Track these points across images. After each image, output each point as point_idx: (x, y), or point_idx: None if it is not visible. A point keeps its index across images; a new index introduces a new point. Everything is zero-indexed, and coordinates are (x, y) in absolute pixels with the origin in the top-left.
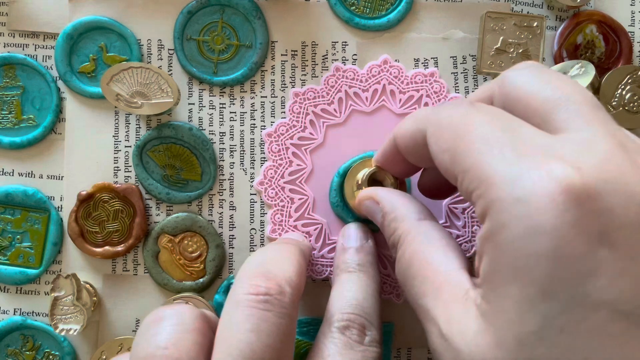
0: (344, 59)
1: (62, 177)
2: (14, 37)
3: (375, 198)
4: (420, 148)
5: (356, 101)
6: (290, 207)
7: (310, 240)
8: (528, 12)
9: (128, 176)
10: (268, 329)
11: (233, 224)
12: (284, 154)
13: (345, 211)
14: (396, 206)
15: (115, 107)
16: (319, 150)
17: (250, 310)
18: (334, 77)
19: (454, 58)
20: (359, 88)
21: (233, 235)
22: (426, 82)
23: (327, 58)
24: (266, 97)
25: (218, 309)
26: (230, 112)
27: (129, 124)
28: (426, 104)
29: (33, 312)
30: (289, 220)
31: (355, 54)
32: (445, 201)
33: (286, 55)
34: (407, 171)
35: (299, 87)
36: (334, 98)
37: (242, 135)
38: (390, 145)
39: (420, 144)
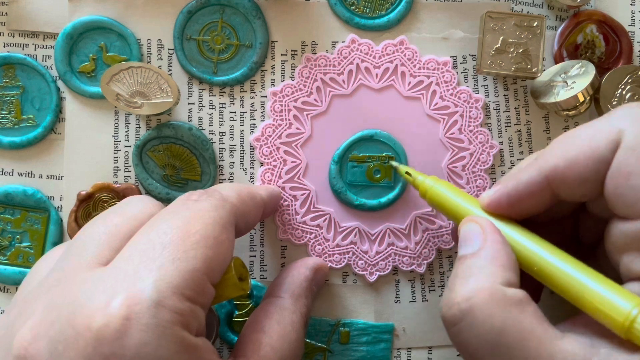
0: None
1: (61, 177)
2: (13, 37)
3: (484, 231)
4: (598, 168)
5: (366, 76)
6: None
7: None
8: (528, 12)
9: (128, 176)
10: (197, 209)
11: None
12: (285, 117)
13: (351, 196)
14: (494, 260)
15: (115, 107)
16: (321, 117)
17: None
18: (348, 49)
19: (454, 58)
20: (371, 64)
21: None
22: (438, 70)
23: None
24: (266, 97)
25: (218, 309)
26: (230, 112)
27: (129, 124)
28: (434, 92)
29: None
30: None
31: None
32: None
33: (286, 55)
34: (534, 210)
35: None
36: (344, 69)
37: (242, 135)
38: (532, 179)
39: (602, 162)
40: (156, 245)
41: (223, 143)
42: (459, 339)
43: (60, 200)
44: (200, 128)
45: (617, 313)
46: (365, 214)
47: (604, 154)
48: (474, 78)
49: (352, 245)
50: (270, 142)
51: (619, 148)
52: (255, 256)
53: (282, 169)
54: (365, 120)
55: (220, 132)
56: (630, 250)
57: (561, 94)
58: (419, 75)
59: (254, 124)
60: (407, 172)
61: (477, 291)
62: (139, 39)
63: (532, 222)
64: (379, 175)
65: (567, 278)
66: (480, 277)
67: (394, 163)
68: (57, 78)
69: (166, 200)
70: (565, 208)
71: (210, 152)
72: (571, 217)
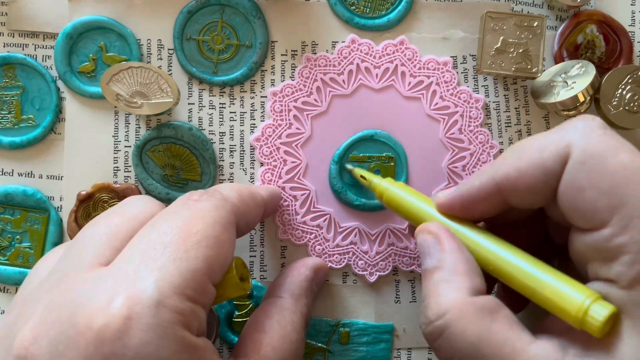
0: None
1: (61, 177)
2: (13, 37)
3: (440, 241)
4: (547, 180)
5: (366, 76)
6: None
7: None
8: (528, 12)
9: (128, 176)
10: (197, 209)
11: None
12: (286, 118)
13: (351, 196)
14: (456, 269)
15: (115, 107)
16: (321, 117)
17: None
18: (348, 49)
19: (454, 58)
20: (371, 64)
21: None
22: (438, 70)
23: None
24: (266, 97)
25: (218, 309)
26: (230, 112)
27: (129, 124)
28: (434, 92)
29: None
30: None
31: None
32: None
33: (286, 55)
34: (487, 214)
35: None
36: (344, 69)
37: (242, 135)
38: (483, 186)
39: (551, 174)
40: (157, 245)
41: (223, 143)
42: (441, 354)
43: (60, 200)
44: (200, 128)
45: (571, 304)
46: (365, 214)
47: (552, 166)
48: (474, 78)
49: (352, 246)
50: (270, 142)
51: (568, 162)
52: (255, 256)
53: (282, 169)
54: (365, 120)
55: (220, 132)
56: (593, 259)
57: (561, 94)
58: (419, 75)
59: (254, 124)
60: (361, 176)
61: (448, 308)
62: (139, 39)
63: (501, 226)
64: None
65: (523, 274)
66: (448, 292)
67: (349, 166)
68: (57, 78)
69: (166, 201)
70: (524, 213)
71: (210, 152)
72: (541, 220)
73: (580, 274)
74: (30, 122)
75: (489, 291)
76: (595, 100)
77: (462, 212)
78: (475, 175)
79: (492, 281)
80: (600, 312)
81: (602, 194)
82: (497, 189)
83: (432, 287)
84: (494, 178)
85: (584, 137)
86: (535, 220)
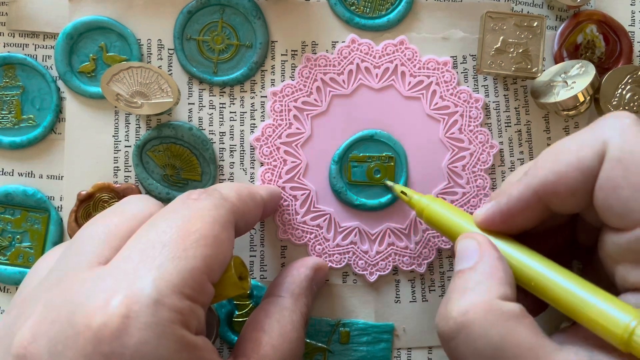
0: None
1: (62, 177)
2: (13, 37)
3: (481, 248)
4: (586, 180)
5: (366, 76)
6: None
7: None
8: (528, 12)
9: (128, 176)
10: (196, 208)
11: None
12: (285, 118)
13: (351, 196)
14: (490, 274)
15: (115, 107)
16: (321, 117)
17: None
18: (348, 49)
19: (454, 58)
20: (371, 64)
21: None
22: (438, 70)
23: None
24: (266, 97)
25: (218, 309)
26: (230, 112)
27: (129, 123)
28: (434, 92)
29: None
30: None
31: None
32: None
33: (286, 55)
34: (527, 225)
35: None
36: (344, 69)
37: (242, 135)
38: (522, 195)
39: (590, 174)
40: (156, 244)
41: (223, 143)
42: (456, 354)
43: (61, 200)
44: (201, 128)
45: (616, 326)
46: (365, 213)
47: (591, 165)
48: (474, 78)
49: (352, 245)
50: (270, 142)
51: (605, 160)
52: (255, 256)
53: (282, 169)
54: (365, 120)
55: (220, 132)
56: (624, 261)
57: (561, 94)
58: (419, 75)
59: (254, 124)
60: (402, 192)
61: (474, 305)
62: (139, 39)
63: (530, 230)
64: (379, 175)
65: (565, 292)
66: (476, 292)
67: (389, 182)
68: (57, 78)
69: (166, 200)
70: (559, 218)
71: (211, 152)
72: (570, 222)
73: (605, 277)
74: (30, 122)
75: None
76: (595, 100)
77: (502, 225)
78: (511, 186)
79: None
80: None
81: (638, 192)
82: (536, 197)
83: (460, 284)
84: (532, 186)
85: (620, 134)
86: (565, 223)
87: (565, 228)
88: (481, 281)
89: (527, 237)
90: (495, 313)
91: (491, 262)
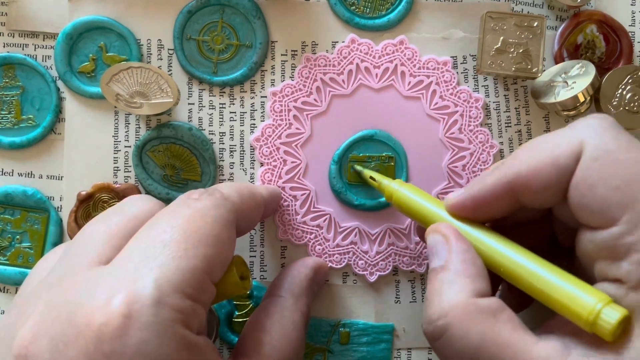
0: None
1: (61, 177)
2: (13, 37)
3: (448, 242)
4: (560, 177)
5: (366, 76)
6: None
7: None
8: (528, 12)
9: (128, 176)
10: (197, 207)
11: None
12: (285, 119)
13: (351, 196)
14: (462, 270)
15: (115, 107)
16: (321, 117)
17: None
18: (348, 49)
19: (454, 58)
20: (371, 64)
21: None
22: (438, 70)
23: None
24: (266, 97)
25: (218, 309)
26: (230, 112)
27: (129, 124)
28: (434, 92)
29: None
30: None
31: None
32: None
33: (286, 55)
34: (497, 215)
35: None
36: (344, 69)
37: (242, 135)
38: (495, 185)
39: (564, 172)
40: (157, 244)
41: (223, 143)
42: (442, 354)
43: (60, 200)
44: (200, 128)
45: (582, 308)
46: (365, 214)
47: (566, 163)
48: (474, 78)
49: (352, 245)
50: (270, 142)
51: (581, 159)
52: (255, 256)
53: (282, 169)
54: (365, 120)
55: (220, 132)
56: (601, 258)
57: (561, 94)
58: (418, 75)
59: (254, 124)
60: (371, 177)
61: (451, 308)
62: (139, 39)
63: (507, 227)
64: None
65: (533, 277)
66: (451, 293)
67: (358, 167)
68: (57, 78)
69: (166, 201)
70: (532, 213)
71: (210, 152)
72: (547, 221)
73: (587, 276)
74: (30, 122)
75: (493, 292)
76: (595, 101)
77: (473, 212)
78: (486, 174)
79: (496, 282)
80: (612, 315)
81: (613, 191)
82: (509, 188)
83: (436, 286)
84: (507, 177)
85: (597, 134)
86: (543, 222)
87: (542, 228)
88: (454, 280)
89: (508, 232)
90: (472, 313)
91: (461, 257)
